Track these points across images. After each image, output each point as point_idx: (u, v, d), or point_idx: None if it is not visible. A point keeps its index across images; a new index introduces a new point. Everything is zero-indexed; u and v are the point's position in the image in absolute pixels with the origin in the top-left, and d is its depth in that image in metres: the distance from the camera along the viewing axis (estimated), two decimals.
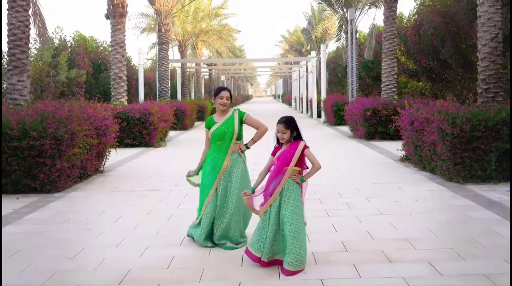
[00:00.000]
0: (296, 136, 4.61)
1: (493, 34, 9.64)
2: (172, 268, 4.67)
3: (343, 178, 9.13)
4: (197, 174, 5.52)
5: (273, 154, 4.68)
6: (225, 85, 5.88)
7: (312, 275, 4.40)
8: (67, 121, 8.42)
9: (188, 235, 5.53)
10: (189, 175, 5.53)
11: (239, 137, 5.31)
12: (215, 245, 5.24)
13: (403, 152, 10.86)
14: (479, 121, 8.12)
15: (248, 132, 5.38)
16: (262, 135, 5.32)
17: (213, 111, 32.52)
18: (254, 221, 4.99)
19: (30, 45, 10.94)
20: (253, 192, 4.69)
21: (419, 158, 9.75)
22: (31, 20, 10.59)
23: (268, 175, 4.69)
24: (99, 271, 4.64)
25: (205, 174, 5.32)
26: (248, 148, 5.35)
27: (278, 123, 4.59)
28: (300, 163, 4.59)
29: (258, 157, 4.92)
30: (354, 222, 6.10)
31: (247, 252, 4.70)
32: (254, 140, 5.34)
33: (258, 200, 4.74)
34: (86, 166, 9.38)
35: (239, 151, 5.30)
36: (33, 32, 11.73)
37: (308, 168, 4.67)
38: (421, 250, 4.97)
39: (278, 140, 4.66)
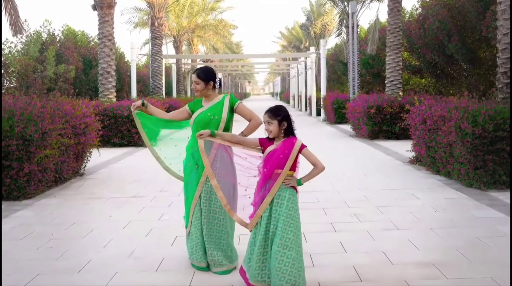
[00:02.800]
0: (288, 131, 3.72)
1: None
2: None
3: (349, 183, 8.18)
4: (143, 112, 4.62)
5: (260, 142, 3.80)
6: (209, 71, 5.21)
7: None
8: (37, 119, 7.45)
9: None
10: (135, 107, 4.57)
11: (227, 127, 4.35)
12: (208, 268, 4.29)
13: (413, 153, 9.90)
14: (504, 119, 7.17)
15: (240, 125, 4.47)
16: (255, 129, 4.36)
17: None
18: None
19: (15, 39, 9.94)
20: (213, 134, 3.89)
21: (432, 160, 8.79)
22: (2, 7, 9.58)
23: (257, 180, 3.79)
24: None
25: (187, 171, 4.36)
26: None
27: (264, 113, 3.73)
28: (293, 165, 3.71)
29: None
30: (366, 239, 5.13)
31: (240, 269, 3.90)
32: (244, 134, 4.33)
33: (246, 211, 3.87)
34: (62, 169, 8.39)
35: None
36: (4, 20, 10.78)
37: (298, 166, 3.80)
38: (454, 279, 4.00)
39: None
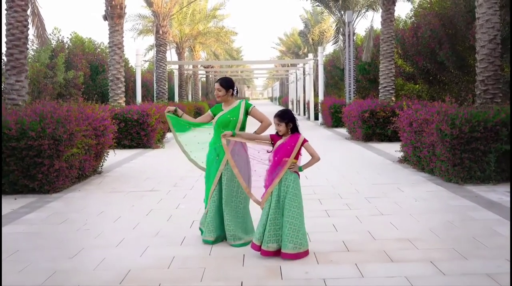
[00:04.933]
0: (293, 128, 4.79)
1: (492, 35, 9.66)
2: (172, 268, 4.64)
3: (342, 179, 9.12)
4: (176, 115, 5.48)
5: (272, 137, 4.86)
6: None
7: (314, 274, 4.38)
8: (65, 122, 8.38)
9: (200, 228, 5.52)
10: (168, 111, 5.47)
11: (243, 127, 5.34)
12: (214, 242, 5.23)
13: (402, 153, 10.85)
14: (478, 122, 8.12)
15: (253, 127, 5.44)
16: (265, 129, 5.34)
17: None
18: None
19: (27, 46, 10.90)
20: (234, 134, 4.97)
21: (417, 159, 9.74)
22: (29, 20, 10.56)
23: (267, 167, 4.85)
24: (99, 271, 4.61)
25: (209, 162, 5.34)
26: None
27: (274, 116, 4.81)
28: (297, 155, 4.79)
29: None
30: (355, 222, 6.08)
31: (252, 244, 4.86)
32: (256, 133, 5.34)
33: (259, 192, 4.92)
34: (84, 167, 9.33)
35: None
36: (31, 32, 11.74)
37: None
38: (423, 249, 4.95)
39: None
